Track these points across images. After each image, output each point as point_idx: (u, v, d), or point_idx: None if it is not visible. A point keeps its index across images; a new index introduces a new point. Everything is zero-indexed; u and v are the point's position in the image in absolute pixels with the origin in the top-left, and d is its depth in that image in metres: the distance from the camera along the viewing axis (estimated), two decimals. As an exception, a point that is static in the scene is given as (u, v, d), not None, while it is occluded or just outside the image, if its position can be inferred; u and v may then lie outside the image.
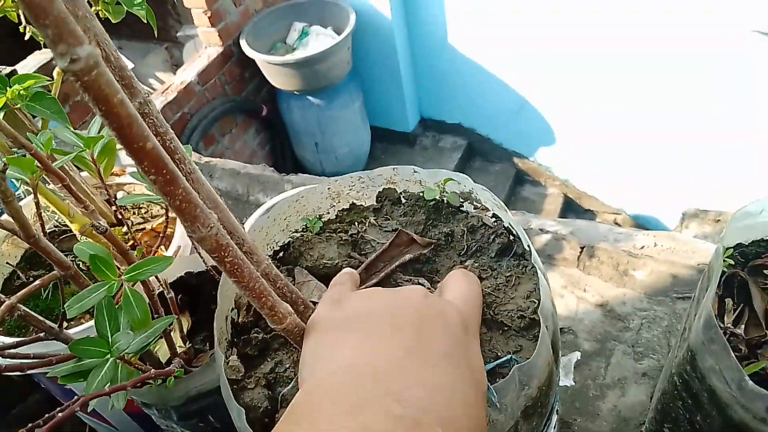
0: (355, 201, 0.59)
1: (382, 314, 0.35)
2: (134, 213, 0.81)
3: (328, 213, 0.59)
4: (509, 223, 0.54)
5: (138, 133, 0.27)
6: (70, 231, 0.75)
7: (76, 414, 0.81)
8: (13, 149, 0.69)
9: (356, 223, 0.57)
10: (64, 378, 0.42)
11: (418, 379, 0.30)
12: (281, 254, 0.56)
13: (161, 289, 0.52)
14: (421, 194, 0.58)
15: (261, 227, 0.55)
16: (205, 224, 0.31)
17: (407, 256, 0.53)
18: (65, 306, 0.39)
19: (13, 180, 0.71)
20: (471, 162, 2.81)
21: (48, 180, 0.70)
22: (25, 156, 0.54)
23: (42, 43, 1.09)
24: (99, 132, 0.50)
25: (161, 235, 0.54)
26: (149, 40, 3.24)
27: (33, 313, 0.48)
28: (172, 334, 0.53)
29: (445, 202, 0.57)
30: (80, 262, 0.69)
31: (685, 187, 2.22)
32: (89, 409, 0.42)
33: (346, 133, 2.70)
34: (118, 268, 0.43)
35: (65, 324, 0.50)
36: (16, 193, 0.69)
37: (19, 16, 0.83)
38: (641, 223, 2.47)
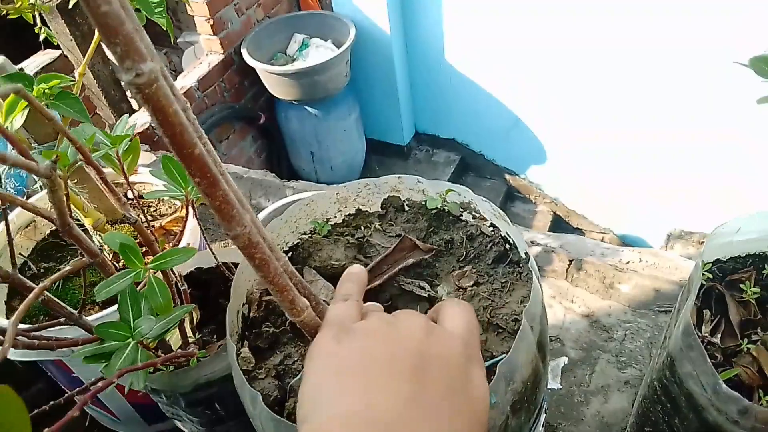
0: (361, 207, 0.63)
1: (384, 354, 0.35)
2: (143, 211, 0.84)
3: (335, 217, 0.62)
4: (506, 233, 0.57)
5: (188, 140, 0.30)
6: (82, 225, 0.78)
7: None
8: (33, 145, 0.72)
9: (362, 228, 0.61)
10: (88, 359, 0.45)
11: (418, 429, 0.31)
12: (290, 254, 0.59)
13: (176, 281, 0.55)
14: (423, 203, 0.61)
15: (273, 228, 0.58)
16: (240, 223, 0.34)
17: (410, 260, 0.57)
18: (95, 290, 0.42)
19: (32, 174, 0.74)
20: (463, 177, 2.86)
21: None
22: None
23: (42, 44, 1.13)
24: (125, 131, 0.54)
25: (181, 229, 0.57)
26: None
27: (55, 299, 0.50)
28: (184, 324, 0.56)
29: (446, 211, 0.61)
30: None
31: (671, 210, 2.27)
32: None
33: (341, 144, 2.74)
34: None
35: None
36: (34, 186, 0.72)
37: (34, 17, 0.86)
38: (628, 243, 2.52)
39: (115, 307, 0.66)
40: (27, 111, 0.60)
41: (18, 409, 0.25)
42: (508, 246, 0.57)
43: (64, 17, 1.69)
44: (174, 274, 0.55)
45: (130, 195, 0.65)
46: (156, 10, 0.70)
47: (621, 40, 2.01)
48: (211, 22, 2.43)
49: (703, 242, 1.64)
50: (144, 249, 0.51)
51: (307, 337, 0.43)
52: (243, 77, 2.63)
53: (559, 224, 2.67)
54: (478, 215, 0.60)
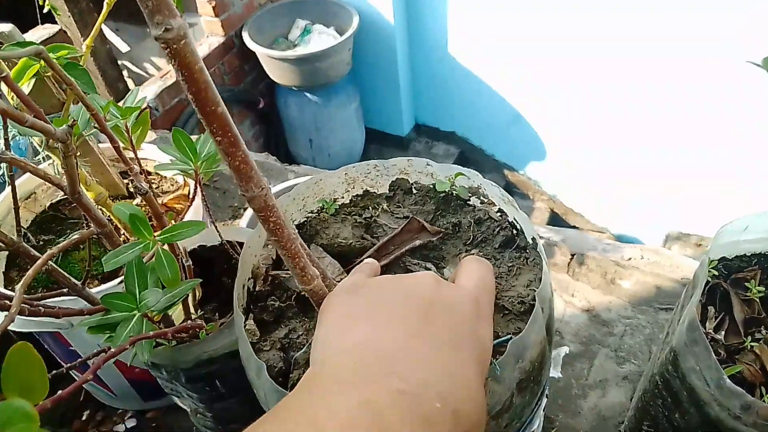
0: (369, 188, 0.62)
1: (393, 301, 0.36)
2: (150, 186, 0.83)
3: (343, 197, 0.62)
4: (514, 218, 0.57)
5: (212, 97, 0.30)
6: (82, 199, 0.77)
7: (74, 377, 0.83)
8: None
9: (370, 208, 0.60)
10: (92, 329, 0.44)
11: (421, 360, 0.32)
12: (298, 232, 0.58)
13: (181, 256, 0.54)
14: (432, 186, 0.61)
15: (281, 205, 0.57)
16: (257, 185, 0.33)
17: (417, 242, 0.57)
18: (103, 259, 0.41)
19: (32, 142, 0.72)
20: (461, 171, 2.86)
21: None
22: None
23: (40, 20, 1.11)
24: (135, 104, 0.53)
25: (189, 204, 0.56)
26: (147, 24, 3.23)
27: (59, 269, 0.50)
28: (187, 300, 0.55)
29: (454, 194, 0.60)
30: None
31: (668, 211, 2.28)
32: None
33: (340, 132, 2.73)
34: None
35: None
36: (37, 157, 0.71)
37: (35, -7, 0.85)
38: (624, 243, 2.53)
39: (116, 281, 0.65)
40: (34, 80, 0.59)
41: (39, 368, 0.25)
42: (515, 231, 0.57)
43: (63, -7, 1.67)
44: (179, 249, 0.54)
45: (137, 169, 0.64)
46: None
47: (623, 41, 2.01)
48: (213, 3, 2.41)
49: (701, 244, 1.64)
50: (151, 222, 0.50)
51: (313, 308, 0.43)
52: (243, 61, 2.61)
53: (556, 221, 2.67)
54: (486, 200, 0.60)
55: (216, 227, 0.61)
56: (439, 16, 2.43)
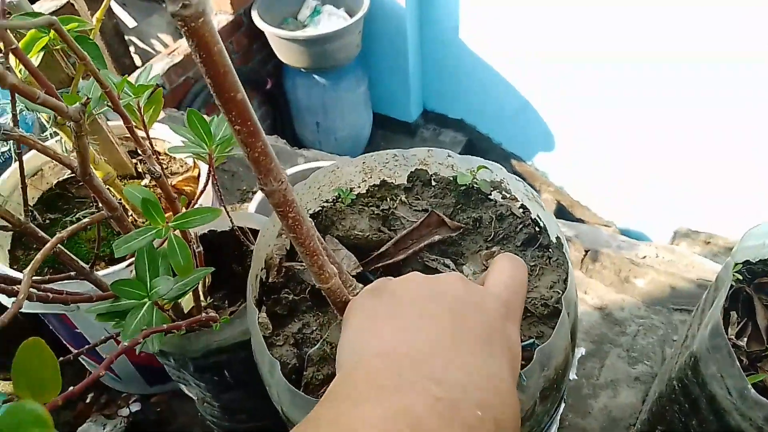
0: (386, 178, 0.60)
1: (421, 301, 0.35)
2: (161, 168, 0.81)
3: (360, 187, 0.60)
4: (537, 215, 0.55)
5: (231, 82, 0.28)
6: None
7: (79, 359, 0.81)
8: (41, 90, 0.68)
9: (387, 199, 0.58)
10: (101, 316, 0.43)
11: (456, 363, 0.31)
12: (312, 222, 0.57)
13: (192, 242, 0.52)
14: (452, 178, 0.59)
15: (296, 193, 0.55)
16: (277, 178, 0.31)
17: (436, 237, 0.55)
18: (114, 245, 0.40)
19: (40, 118, 0.70)
20: (468, 159, 2.84)
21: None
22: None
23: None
24: (148, 81, 0.50)
25: (202, 189, 0.54)
26: (155, 0, 3.18)
27: (67, 251, 0.48)
28: (197, 288, 0.53)
29: (476, 188, 0.58)
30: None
31: (677, 207, 2.26)
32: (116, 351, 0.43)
33: (348, 116, 2.70)
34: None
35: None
36: (45, 134, 0.69)
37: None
38: (630, 238, 2.51)
39: (125, 264, 0.64)
40: (43, 53, 0.57)
41: (52, 365, 0.23)
42: (538, 229, 0.55)
43: (72, -38, 1.63)
44: (191, 234, 0.52)
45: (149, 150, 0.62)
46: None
47: (636, 31, 1.98)
48: (224, -20, 2.36)
49: (709, 242, 1.63)
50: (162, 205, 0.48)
51: (329, 305, 0.41)
52: (252, 40, 2.57)
53: (562, 213, 2.65)
54: (508, 195, 0.58)
55: (228, 212, 0.59)
56: (451, 1, 2.39)
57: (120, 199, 0.67)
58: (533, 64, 2.35)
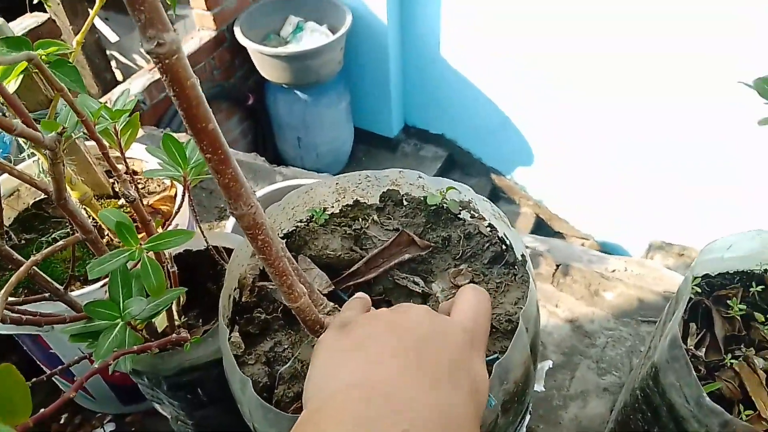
0: (359, 198, 0.62)
1: (386, 336, 0.36)
2: (136, 188, 0.82)
3: (333, 207, 0.61)
4: (504, 234, 0.57)
5: (203, 114, 0.29)
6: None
7: (53, 380, 0.81)
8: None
9: (360, 219, 0.60)
10: (74, 337, 0.44)
11: (418, 398, 0.31)
12: (286, 241, 0.58)
13: (166, 262, 0.54)
14: (423, 199, 0.61)
15: (269, 214, 0.57)
16: (247, 203, 0.33)
17: (406, 256, 0.57)
18: (88, 267, 0.41)
19: (19, 142, 0.71)
20: (450, 174, 2.86)
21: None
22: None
23: (28, 6, 1.09)
24: (125, 106, 0.52)
25: (177, 209, 0.55)
26: (138, 17, 3.18)
27: (42, 273, 0.49)
28: (171, 307, 0.55)
29: (445, 208, 0.60)
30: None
31: (652, 220, 2.31)
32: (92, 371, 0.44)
33: (329, 132, 2.72)
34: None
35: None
36: (22, 155, 0.70)
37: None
38: (608, 250, 2.55)
39: (98, 284, 0.65)
40: (21, 77, 0.58)
41: (22, 389, 0.24)
42: (504, 247, 0.57)
43: (54, -19, 1.64)
44: (165, 254, 0.54)
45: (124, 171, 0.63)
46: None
47: (612, 48, 2.03)
48: (206, -3, 2.38)
49: (683, 254, 1.67)
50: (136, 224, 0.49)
51: (300, 324, 0.42)
52: (234, 56, 2.59)
53: (541, 227, 2.69)
54: (476, 214, 0.60)
55: (203, 232, 0.60)
56: (432, 18, 2.44)
57: (96, 221, 0.68)
58: (513, 80, 2.40)
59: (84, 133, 0.43)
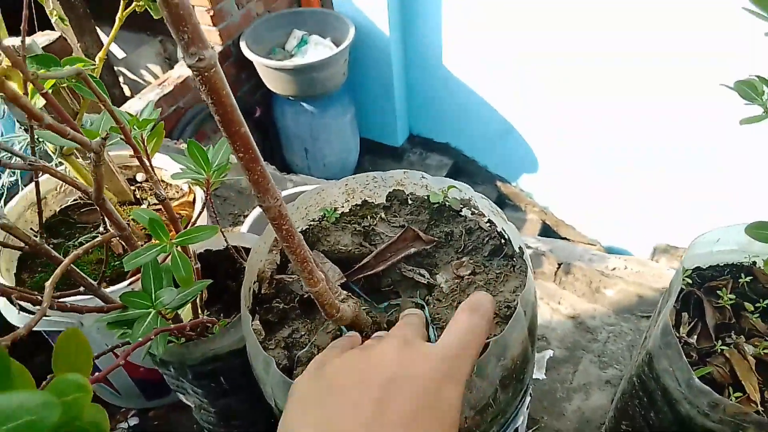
0: (367, 198, 0.66)
1: (348, 387, 0.36)
2: (150, 194, 0.87)
3: (343, 207, 0.66)
4: (502, 228, 0.61)
5: (237, 119, 0.34)
6: (92, 205, 0.81)
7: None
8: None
9: (368, 217, 0.64)
10: (110, 325, 0.48)
11: None
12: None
13: (192, 259, 0.58)
14: (426, 197, 0.65)
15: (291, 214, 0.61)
16: (273, 196, 0.37)
17: (411, 250, 0.61)
18: (124, 260, 0.45)
19: (46, 149, 0.76)
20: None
21: (77, 154, 0.76)
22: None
23: (36, 25, 1.14)
24: (150, 116, 0.56)
25: (200, 210, 0.60)
26: (143, 32, 3.26)
27: (78, 270, 0.53)
28: (195, 301, 0.59)
29: (447, 206, 0.64)
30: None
31: (658, 224, 2.33)
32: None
33: (336, 142, 2.77)
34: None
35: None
36: (51, 163, 0.74)
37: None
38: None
39: (126, 283, 0.69)
40: (52, 90, 0.63)
41: (86, 351, 0.28)
42: (503, 241, 0.61)
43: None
44: (190, 252, 0.58)
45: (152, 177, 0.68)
46: None
47: (614, 54, 2.07)
48: (212, 13, 2.45)
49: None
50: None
51: (314, 310, 0.46)
52: (240, 70, 2.65)
53: (547, 233, 2.72)
54: (476, 211, 0.64)
55: (222, 232, 0.65)
56: (434, 28, 2.49)
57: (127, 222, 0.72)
58: (516, 87, 2.44)
59: (121, 138, 0.47)
